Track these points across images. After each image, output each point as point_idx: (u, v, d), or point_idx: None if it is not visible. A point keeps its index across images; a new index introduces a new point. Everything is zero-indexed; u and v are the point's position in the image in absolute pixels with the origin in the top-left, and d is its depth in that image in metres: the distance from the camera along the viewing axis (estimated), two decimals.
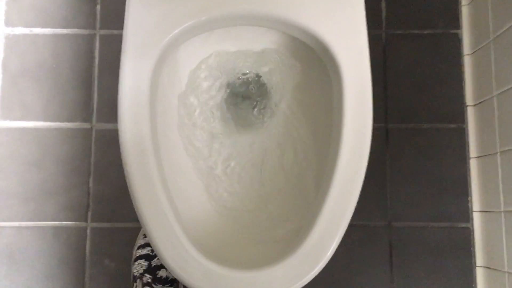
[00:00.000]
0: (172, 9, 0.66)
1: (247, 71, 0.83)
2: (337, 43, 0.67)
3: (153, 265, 0.87)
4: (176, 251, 0.62)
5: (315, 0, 0.68)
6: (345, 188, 0.63)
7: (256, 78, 0.85)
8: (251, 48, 0.78)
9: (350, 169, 0.63)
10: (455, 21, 1.02)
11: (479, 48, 0.97)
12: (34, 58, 1.00)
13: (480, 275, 0.95)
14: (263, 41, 0.77)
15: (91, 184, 0.97)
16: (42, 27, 1.01)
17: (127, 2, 0.68)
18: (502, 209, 0.89)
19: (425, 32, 1.02)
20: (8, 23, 1.01)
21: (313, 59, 0.73)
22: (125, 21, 0.67)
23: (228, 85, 0.84)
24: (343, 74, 0.66)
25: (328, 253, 0.62)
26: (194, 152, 0.80)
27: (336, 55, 0.67)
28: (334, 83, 0.68)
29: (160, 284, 0.86)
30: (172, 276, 0.86)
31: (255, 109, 0.85)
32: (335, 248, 0.62)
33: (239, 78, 0.84)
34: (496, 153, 0.90)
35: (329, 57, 0.68)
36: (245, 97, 0.88)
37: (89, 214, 0.96)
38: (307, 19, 0.68)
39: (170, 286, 0.86)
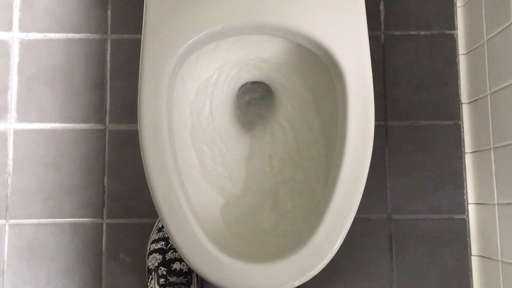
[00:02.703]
0: (188, 19, 0.69)
1: (255, 77, 0.85)
2: (340, 50, 0.71)
3: (167, 258, 0.91)
4: (191, 242, 0.65)
5: (319, 9, 0.72)
6: (350, 187, 0.67)
7: (264, 84, 0.88)
8: (258, 55, 0.81)
9: (354, 170, 0.67)
10: (451, 22, 1.06)
11: (473, 49, 1.01)
12: (48, 62, 1.03)
13: (475, 263, 0.99)
14: (270, 48, 0.80)
15: (105, 183, 1.01)
16: (56, 32, 1.04)
17: (144, 12, 0.71)
18: (495, 202, 0.92)
19: (422, 33, 1.06)
20: (23, 28, 1.04)
21: (318, 65, 0.76)
22: (143, 31, 0.70)
23: (237, 90, 0.87)
24: (346, 79, 0.70)
25: (335, 247, 0.66)
26: (202, 150, 0.83)
27: (339, 61, 0.70)
28: (338, 87, 0.72)
29: (174, 276, 0.89)
30: (186, 269, 0.90)
31: (263, 112, 0.88)
32: (341, 242, 0.66)
33: (247, 84, 0.87)
34: (490, 148, 0.94)
35: (333, 63, 0.71)
36: (253, 101, 0.91)
37: (105, 211, 1.00)
38: (312, 27, 0.71)
39: (184, 278, 0.89)
